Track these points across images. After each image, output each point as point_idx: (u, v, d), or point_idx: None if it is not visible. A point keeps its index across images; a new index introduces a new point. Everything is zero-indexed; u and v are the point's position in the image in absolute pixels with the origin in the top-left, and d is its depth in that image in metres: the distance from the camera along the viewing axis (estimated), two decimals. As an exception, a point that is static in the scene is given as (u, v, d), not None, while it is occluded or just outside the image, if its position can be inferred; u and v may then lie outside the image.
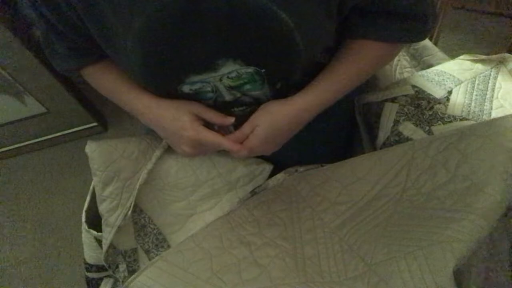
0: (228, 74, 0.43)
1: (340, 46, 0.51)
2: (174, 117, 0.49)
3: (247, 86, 0.46)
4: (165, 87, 0.48)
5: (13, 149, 1.55)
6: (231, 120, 0.50)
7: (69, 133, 1.54)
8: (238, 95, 0.48)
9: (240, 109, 0.52)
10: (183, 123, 0.49)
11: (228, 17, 0.37)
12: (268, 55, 0.42)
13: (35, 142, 1.54)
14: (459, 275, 0.47)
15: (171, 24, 0.37)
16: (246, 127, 0.50)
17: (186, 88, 0.46)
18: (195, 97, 0.48)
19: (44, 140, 1.54)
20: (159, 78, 0.45)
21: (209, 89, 0.46)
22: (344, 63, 0.50)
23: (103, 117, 1.59)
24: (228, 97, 0.48)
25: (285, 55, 0.42)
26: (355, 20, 0.47)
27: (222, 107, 0.50)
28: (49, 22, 0.45)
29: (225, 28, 0.38)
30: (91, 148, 0.59)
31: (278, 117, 0.49)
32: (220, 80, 0.44)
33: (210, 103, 0.50)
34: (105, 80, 0.54)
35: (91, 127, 1.53)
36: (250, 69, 0.43)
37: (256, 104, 0.51)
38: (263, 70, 0.43)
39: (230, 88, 0.46)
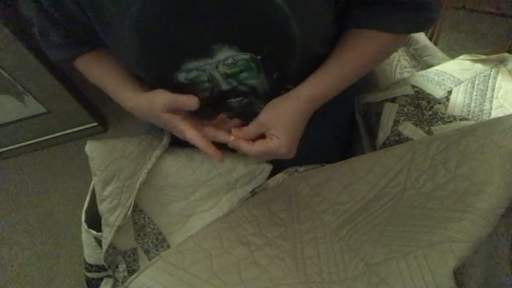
0: (224, 60, 0.43)
1: (343, 36, 0.51)
2: (152, 113, 0.49)
3: (244, 74, 0.46)
4: (161, 74, 0.48)
5: (13, 149, 1.55)
6: (195, 100, 0.48)
7: (69, 133, 1.54)
8: (235, 84, 0.48)
9: (237, 100, 0.52)
10: (163, 120, 0.49)
11: (224, 1, 0.37)
12: (264, 41, 0.42)
13: (35, 142, 1.55)
14: (459, 275, 0.47)
15: (167, 8, 0.38)
16: (252, 126, 0.50)
17: (182, 77, 0.46)
18: (191, 87, 0.48)
19: (44, 140, 1.54)
20: (155, 64, 0.45)
21: (205, 78, 0.46)
22: (348, 53, 0.50)
23: (103, 117, 1.59)
24: (224, 86, 0.48)
25: (281, 42, 0.42)
26: (357, 10, 0.47)
27: (219, 97, 0.50)
28: (45, 10, 0.45)
29: (221, 13, 0.38)
30: (91, 148, 0.59)
31: (288, 114, 0.48)
32: (216, 67, 0.44)
33: (207, 93, 0.50)
34: (97, 70, 0.55)
35: (91, 127, 1.54)
36: (246, 56, 0.43)
37: (253, 94, 0.50)
38: (258, 57, 0.43)
39: (226, 76, 0.46)
